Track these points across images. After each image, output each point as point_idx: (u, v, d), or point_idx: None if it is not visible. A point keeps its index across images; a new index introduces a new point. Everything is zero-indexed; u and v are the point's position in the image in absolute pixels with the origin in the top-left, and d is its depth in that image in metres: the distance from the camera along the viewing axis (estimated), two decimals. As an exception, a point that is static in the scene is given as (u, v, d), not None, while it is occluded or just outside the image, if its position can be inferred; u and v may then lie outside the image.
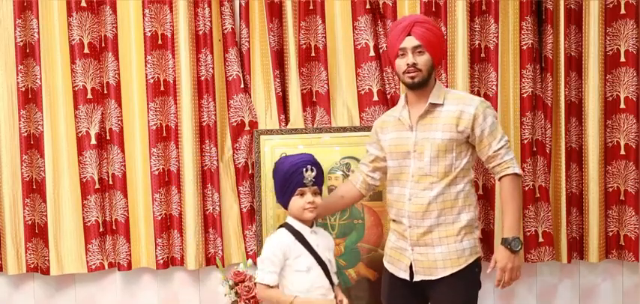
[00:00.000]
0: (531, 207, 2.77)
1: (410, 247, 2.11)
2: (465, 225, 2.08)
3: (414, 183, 2.10)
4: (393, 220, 2.21)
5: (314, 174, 2.08)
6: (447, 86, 2.71)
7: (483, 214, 2.82)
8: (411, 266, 2.12)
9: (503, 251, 2.05)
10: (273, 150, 2.76)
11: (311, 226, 2.15)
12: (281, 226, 2.17)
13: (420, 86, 2.09)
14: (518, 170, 2.08)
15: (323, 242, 2.16)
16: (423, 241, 2.09)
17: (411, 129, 2.13)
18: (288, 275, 2.10)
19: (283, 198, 2.13)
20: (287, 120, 2.81)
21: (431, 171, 2.07)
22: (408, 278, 2.13)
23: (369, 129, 2.73)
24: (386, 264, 2.25)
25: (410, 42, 2.07)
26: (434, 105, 2.10)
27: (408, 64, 2.07)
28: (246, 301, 2.52)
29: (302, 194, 2.09)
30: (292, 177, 2.07)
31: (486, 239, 2.81)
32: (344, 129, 2.76)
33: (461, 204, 2.08)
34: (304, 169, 2.06)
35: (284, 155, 2.19)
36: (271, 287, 2.08)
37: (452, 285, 2.07)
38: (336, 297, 2.14)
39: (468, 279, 2.09)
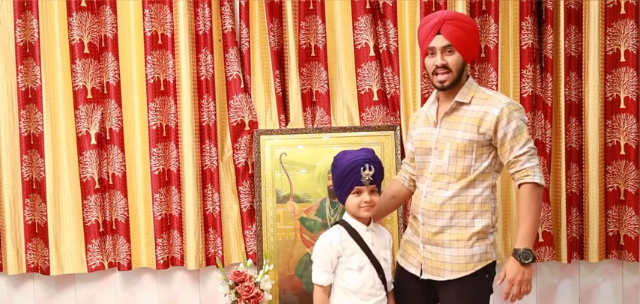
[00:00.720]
0: (531, 207, 2.77)
1: (422, 244, 2.10)
2: (479, 231, 2.03)
3: (431, 180, 2.08)
4: (412, 215, 2.19)
5: (372, 172, 2.02)
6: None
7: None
8: (421, 264, 2.11)
9: (513, 262, 1.97)
10: (273, 150, 2.76)
11: (368, 224, 2.11)
12: (336, 223, 2.14)
13: (450, 87, 2.04)
14: (538, 179, 1.97)
15: (379, 240, 2.13)
16: (433, 240, 2.07)
17: (435, 125, 2.09)
18: (340, 271, 2.08)
19: (340, 194, 2.10)
20: (287, 120, 2.81)
21: (448, 170, 2.03)
22: (418, 274, 2.12)
23: (369, 129, 2.74)
24: (398, 257, 2.24)
25: (439, 41, 2.00)
26: (460, 104, 2.05)
27: (437, 65, 2.02)
28: (246, 301, 2.52)
29: (359, 192, 2.05)
30: (350, 175, 2.03)
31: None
32: (344, 129, 2.76)
33: (477, 208, 2.03)
34: (362, 168, 2.02)
35: (342, 151, 2.14)
36: (325, 288, 2.07)
37: (460, 290, 2.04)
38: None
39: (476, 285, 2.05)
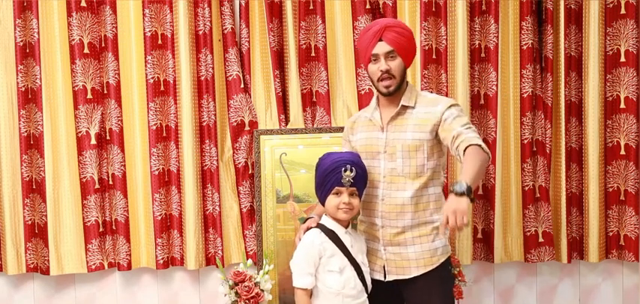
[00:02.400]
0: (531, 207, 2.77)
1: (382, 247, 2.13)
2: (437, 226, 2.09)
3: (386, 183, 2.11)
4: (362, 221, 2.22)
5: (353, 174, 2.03)
6: (446, 86, 2.72)
7: (483, 214, 2.82)
8: (384, 267, 2.14)
9: (450, 196, 1.85)
10: (273, 150, 2.76)
11: (346, 227, 2.12)
12: (316, 227, 2.14)
13: (395, 93, 2.11)
14: (482, 144, 1.92)
15: (357, 243, 2.14)
16: (396, 241, 2.10)
17: (382, 130, 2.14)
18: (321, 274, 2.07)
19: (320, 194, 2.12)
20: (287, 120, 2.81)
21: (403, 172, 2.08)
22: (382, 278, 2.15)
23: (369, 129, 2.74)
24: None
25: (382, 47, 2.07)
26: (405, 108, 2.12)
27: (381, 71, 2.08)
28: (246, 301, 2.52)
29: (338, 193, 2.06)
30: (331, 175, 2.05)
31: (486, 240, 2.81)
32: (344, 129, 2.75)
33: (433, 206, 2.10)
34: (343, 169, 2.03)
35: (328, 152, 2.17)
36: (307, 291, 2.06)
37: (427, 283, 2.09)
38: None
39: (441, 276, 2.12)
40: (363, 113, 2.29)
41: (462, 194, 1.85)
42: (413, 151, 2.07)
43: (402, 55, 2.09)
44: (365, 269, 2.12)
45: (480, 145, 1.93)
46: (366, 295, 2.12)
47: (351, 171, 2.03)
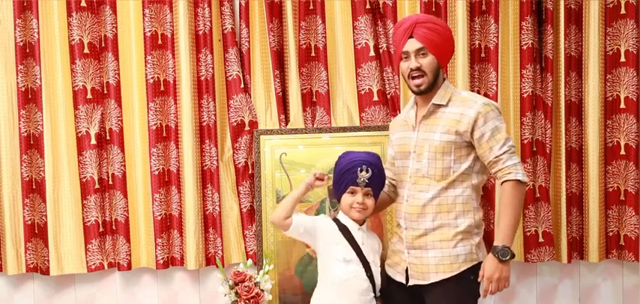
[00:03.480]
0: (531, 207, 2.77)
1: (406, 250, 2.10)
2: (462, 231, 2.03)
3: (411, 184, 2.08)
4: (396, 223, 2.20)
5: (369, 175, 2.04)
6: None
7: (483, 214, 2.81)
8: (407, 270, 2.10)
9: (492, 260, 1.97)
10: (273, 150, 2.76)
11: (361, 224, 2.14)
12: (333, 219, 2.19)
13: (427, 91, 2.05)
14: (521, 176, 1.97)
15: (370, 242, 2.15)
16: (417, 243, 2.06)
17: (414, 129, 2.11)
18: (328, 262, 2.10)
19: (336, 192, 2.14)
20: (287, 120, 2.81)
21: (428, 173, 2.03)
22: (403, 281, 2.11)
23: (369, 129, 2.74)
24: (386, 266, 2.24)
25: (412, 45, 2.02)
26: (437, 106, 2.06)
27: (411, 68, 2.02)
28: (246, 301, 2.52)
29: (353, 192, 2.08)
30: (347, 174, 2.06)
31: (486, 240, 2.80)
32: (344, 129, 2.76)
33: (459, 209, 2.03)
34: (359, 169, 2.04)
35: (348, 150, 2.20)
36: (290, 217, 2.13)
37: (445, 292, 2.02)
38: None
39: (462, 286, 2.03)
40: (403, 112, 2.26)
41: (506, 261, 1.92)
42: (439, 153, 2.01)
43: (435, 52, 2.01)
44: (375, 269, 2.12)
45: (517, 180, 1.95)
46: (374, 295, 2.12)
47: (367, 171, 2.04)
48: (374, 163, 2.08)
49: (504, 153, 1.97)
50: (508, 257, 1.96)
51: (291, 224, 2.12)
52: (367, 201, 2.08)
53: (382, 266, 2.22)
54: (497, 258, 1.96)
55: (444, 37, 2.04)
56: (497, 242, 1.99)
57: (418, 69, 2.01)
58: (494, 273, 1.96)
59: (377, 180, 2.09)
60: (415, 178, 2.07)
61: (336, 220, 2.16)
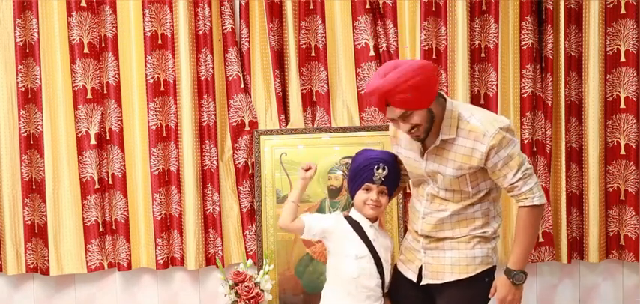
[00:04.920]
0: (531, 207, 2.76)
1: (423, 250, 2.09)
2: (480, 235, 2.02)
3: (428, 202, 2.05)
4: (414, 230, 2.15)
5: (385, 173, 2.06)
6: (447, 87, 2.71)
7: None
8: (420, 269, 2.09)
9: (505, 281, 1.98)
10: (273, 150, 2.76)
11: (373, 221, 2.14)
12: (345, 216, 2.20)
13: (429, 133, 1.95)
14: (536, 201, 1.93)
15: (381, 239, 2.16)
16: (434, 245, 2.06)
17: (422, 156, 2.02)
18: (339, 258, 2.11)
19: (351, 188, 2.15)
20: (287, 120, 2.81)
21: (446, 196, 2.01)
22: (415, 279, 2.11)
23: (369, 129, 2.74)
24: (397, 262, 2.23)
25: (393, 112, 1.88)
26: (445, 140, 1.96)
27: (405, 131, 1.93)
28: (246, 301, 2.52)
29: (368, 189, 2.09)
30: (363, 171, 2.08)
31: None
32: (344, 129, 2.76)
33: (478, 222, 2.02)
34: (376, 167, 2.06)
35: (364, 148, 2.21)
36: (298, 216, 2.16)
37: (458, 293, 2.02)
38: None
39: (476, 288, 2.03)
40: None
41: (520, 285, 1.95)
42: (456, 183, 1.97)
43: (418, 106, 1.85)
44: (386, 266, 2.13)
45: (532, 205, 1.92)
46: (382, 292, 2.13)
47: (384, 169, 2.06)
48: (390, 162, 2.10)
49: (519, 180, 1.91)
50: (522, 282, 1.98)
51: (304, 228, 2.13)
52: (382, 198, 2.09)
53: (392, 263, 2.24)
54: (511, 281, 1.98)
55: (421, 85, 1.82)
56: (512, 265, 1.98)
57: (410, 130, 1.91)
58: (507, 295, 1.99)
59: (393, 179, 2.11)
60: (431, 197, 2.05)
61: (348, 217, 2.16)
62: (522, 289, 2.01)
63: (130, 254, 2.80)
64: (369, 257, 2.09)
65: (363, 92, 2.78)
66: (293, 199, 2.17)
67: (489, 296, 2.05)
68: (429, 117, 1.91)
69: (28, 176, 2.76)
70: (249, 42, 2.79)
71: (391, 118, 1.92)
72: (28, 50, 2.73)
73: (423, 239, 2.08)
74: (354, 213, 2.16)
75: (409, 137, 2.00)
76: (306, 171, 2.19)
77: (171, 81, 2.76)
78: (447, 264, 2.03)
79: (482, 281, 2.04)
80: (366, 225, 2.12)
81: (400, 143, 2.13)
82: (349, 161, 2.70)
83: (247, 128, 2.79)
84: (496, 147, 1.89)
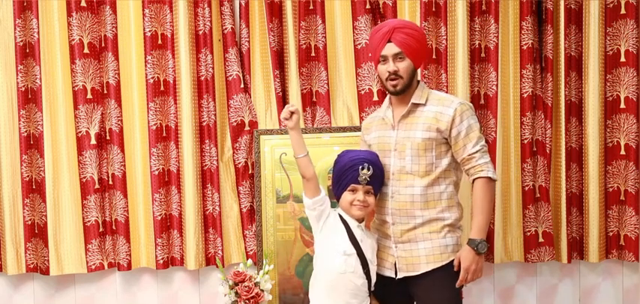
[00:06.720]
0: (531, 207, 2.77)
1: (394, 245, 2.15)
2: (449, 224, 2.12)
3: (395, 180, 2.14)
4: (378, 220, 2.25)
5: (370, 172, 2.07)
6: (446, 86, 2.71)
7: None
8: (395, 264, 2.15)
9: (469, 251, 2.07)
10: (273, 150, 2.76)
11: (359, 222, 2.15)
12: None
13: (402, 92, 2.13)
14: (491, 174, 2.08)
15: (368, 240, 2.17)
16: (406, 237, 2.12)
17: (393, 128, 2.17)
18: (327, 252, 2.12)
19: (336, 190, 2.16)
20: (287, 120, 2.81)
21: (412, 169, 2.10)
22: (393, 275, 2.16)
23: (369, 129, 2.74)
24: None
25: (390, 49, 2.10)
26: (416, 105, 2.14)
27: (389, 72, 2.10)
28: (246, 301, 2.52)
29: (354, 190, 2.10)
30: (348, 172, 2.09)
31: (486, 240, 2.80)
32: (344, 129, 2.76)
33: (444, 204, 2.12)
34: (361, 166, 2.07)
35: (346, 149, 2.24)
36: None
37: (435, 280, 2.10)
38: None
39: (450, 274, 2.11)
40: (376, 113, 2.33)
41: (483, 254, 2.04)
42: (422, 150, 2.09)
43: (411, 56, 2.10)
44: (371, 267, 2.14)
45: (488, 177, 2.07)
46: (369, 291, 2.14)
47: (369, 169, 2.07)
48: (374, 161, 2.12)
49: (477, 151, 2.08)
50: (485, 250, 2.08)
51: (320, 197, 2.13)
52: (368, 198, 2.11)
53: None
54: (474, 250, 2.06)
55: (421, 43, 2.13)
56: (474, 235, 2.08)
57: (395, 72, 2.10)
58: (471, 264, 2.07)
59: (378, 178, 2.12)
60: (399, 175, 2.13)
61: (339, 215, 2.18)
62: (483, 259, 2.10)
63: (129, 254, 2.80)
64: (356, 257, 2.10)
65: (363, 92, 2.78)
66: (303, 153, 2.14)
67: (454, 269, 2.10)
68: (411, 75, 2.12)
69: (28, 176, 2.77)
70: (249, 42, 2.80)
71: (383, 57, 2.11)
72: (28, 50, 2.73)
73: (393, 234, 2.14)
74: (341, 213, 2.17)
75: (379, 120, 2.23)
76: (289, 116, 2.15)
77: (171, 81, 2.76)
78: (422, 256, 2.11)
79: (452, 266, 2.12)
80: (353, 224, 2.14)
81: (371, 130, 2.27)
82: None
83: (247, 128, 2.79)
84: (460, 115, 2.08)
